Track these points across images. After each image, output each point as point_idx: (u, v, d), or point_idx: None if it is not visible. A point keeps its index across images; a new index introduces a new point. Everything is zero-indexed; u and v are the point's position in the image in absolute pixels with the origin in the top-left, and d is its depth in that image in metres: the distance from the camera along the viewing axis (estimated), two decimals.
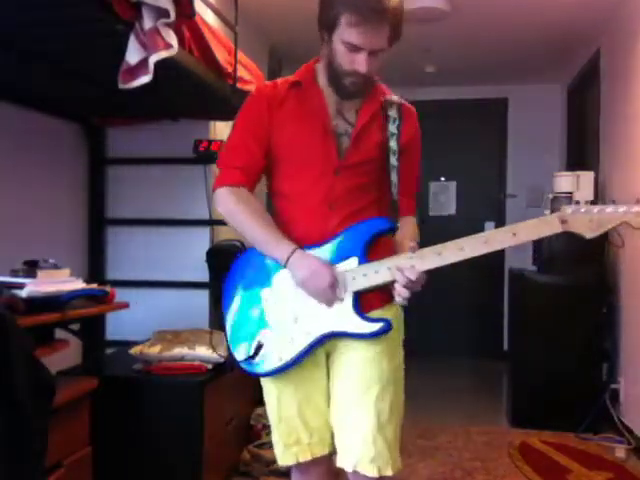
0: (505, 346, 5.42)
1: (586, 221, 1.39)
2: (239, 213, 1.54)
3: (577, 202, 1.41)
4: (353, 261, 1.48)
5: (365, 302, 1.50)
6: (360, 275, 1.46)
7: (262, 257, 1.55)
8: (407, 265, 1.42)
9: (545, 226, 1.41)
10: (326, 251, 1.50)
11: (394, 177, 1.55)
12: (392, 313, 1.56)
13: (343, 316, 1.48)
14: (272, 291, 1.54)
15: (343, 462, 1.52)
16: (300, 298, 1.50)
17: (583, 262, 3.68)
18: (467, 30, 4.22)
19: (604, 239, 3.70)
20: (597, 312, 3.62)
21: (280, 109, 1.56)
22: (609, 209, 1.39)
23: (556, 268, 3.70)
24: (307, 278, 1.46)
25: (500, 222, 5.67)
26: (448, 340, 5.70)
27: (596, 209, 1.39)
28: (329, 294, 1.46)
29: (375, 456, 1.48)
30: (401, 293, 1.42)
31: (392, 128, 1.56)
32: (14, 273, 2.06)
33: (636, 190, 3.36)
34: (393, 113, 1.57)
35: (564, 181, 3.88)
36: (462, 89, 5.66)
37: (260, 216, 1.53)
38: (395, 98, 1.61)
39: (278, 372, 1.52)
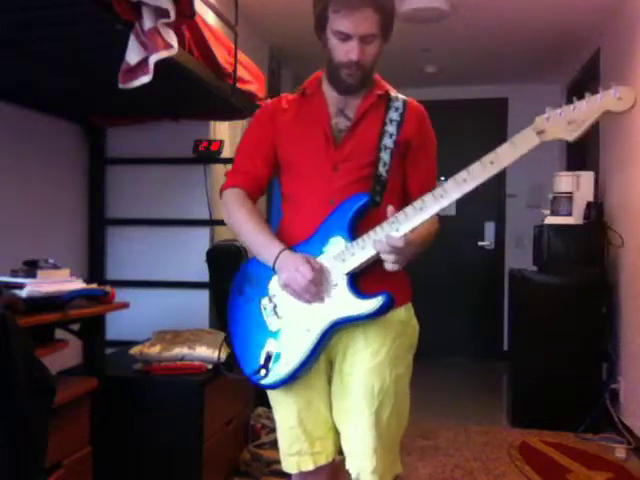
0: (505, 346, 5.42)
1: (564, 124, 1.30)
2: (236, 214, 1.57)
3: (559, 107, 1.30)
4: (341, 243, 1.45)
5: (369, 289, 1.45)
6: (349, 255, 1.44)
7: (256, 268, 1.55)
8: (392, 230, 1.38)
9: (522, 144, 1.31)
10: (315, 242, 1.49)
11: (385, 156, 1.52)
12: (397, 318, 1.53)
13: (340, 301, 1.44)
14: (269, 299, 1.53)
15: (348, 467, 1.53)
16: (295, 298, 1.48)
17: (583, 262, 3.69)
18: (467, 30, 4.22)
19: (604, 239, 3.71)
20: (597, 312, 3.61)
21: (283, 117, 1.61)
22: (584, 103, 1.29)
23: (556, 268, 3.70)
24: (287, 279, 1.44)
25: (500, 222, 5.68)
26: (448, 340, 5.69)
27: (572, 107, 1.29)
28: (311, 290, 1.42)
29: (376, 466, 1.49)
30: (388, 259, 1.38)
31: (393, 116, 1.55)
32: (14, 273, 2.05)
33: (636, 190, 3.36)
34: (396, 104, 1.57)
35: (564, 181, 3.88)
36: (462, 89, 5.66)
37: (255, 219, 1.54)
38: (400, 95, 1.61)
39: (288, 380, 1.50)
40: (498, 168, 1.33)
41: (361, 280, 1.46)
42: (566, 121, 1.29)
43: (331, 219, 1.49)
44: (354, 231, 1.45)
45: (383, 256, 1.38)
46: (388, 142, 1.53)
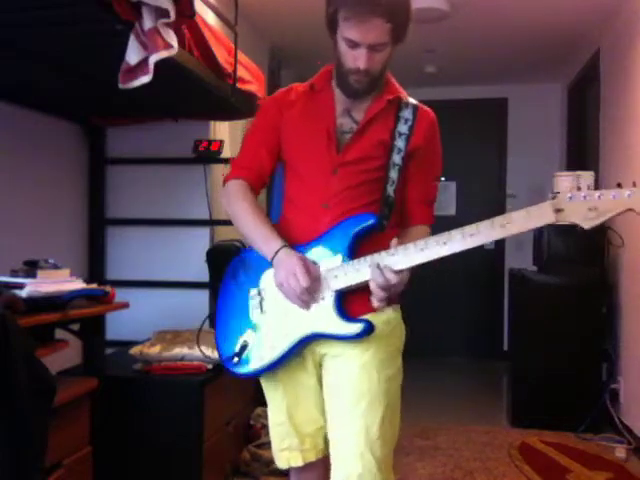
0: (505, 346, 5.42)
1: (584, 210, 1.24)
2: (237, 204, 1.57)
3: (578, 188, 1.26)
4: (337, 259, 1.45)
5: (354, 305, 1.46)
6: (342, 274, 1.43)
7: (254, 257, 1.55)
8: (390, 262, 1.38)
9: (537, 217, 1.28)
10: (314, 250, 1.48)
11: (393, 174, 1.51)
12: (383, 318, 1.49)
13: (323, 316, 1.44)
14: (259, 290, 1.54)
15: (334, 475, 1.47)
16: (283, 297, 1.48)
17: (583, 262, 3.69)
18: (467, 30, 4.22)
19: (604, 239, 3.71)
20: (597, 312, 3.62)
21: (290, 111, 1.58)
22: (611, 194, 1.23)
23: (556, 268, 3.70)
24: (283, 280, 1.43)
25: None
26: (448, 340, 5.70)
27: (597, 194, 1.24)
28: (304, 297, 1.42)
29: (363, 473, 1.42)
30: (376, 294, 1.38)
31: (402, 129, 1.52)
32: (14, 273, 2.05)
33: None
34: (405, 114, 1.53)
35: (564, 181, 3.87)
36: (462, 89, 5.66)
37: (256, 211, 1.54)
38: (412, 100, 1.57)
39: (259, 373, 1.53)
40: (508, 233, 1.32)
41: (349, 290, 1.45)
42: (587, 207, 1.24)
43: (334, 232, 1.47)
44: (354, 250, 1.44)
45: (373, 289, 1.38)
46: (397, 159, 1.51)
